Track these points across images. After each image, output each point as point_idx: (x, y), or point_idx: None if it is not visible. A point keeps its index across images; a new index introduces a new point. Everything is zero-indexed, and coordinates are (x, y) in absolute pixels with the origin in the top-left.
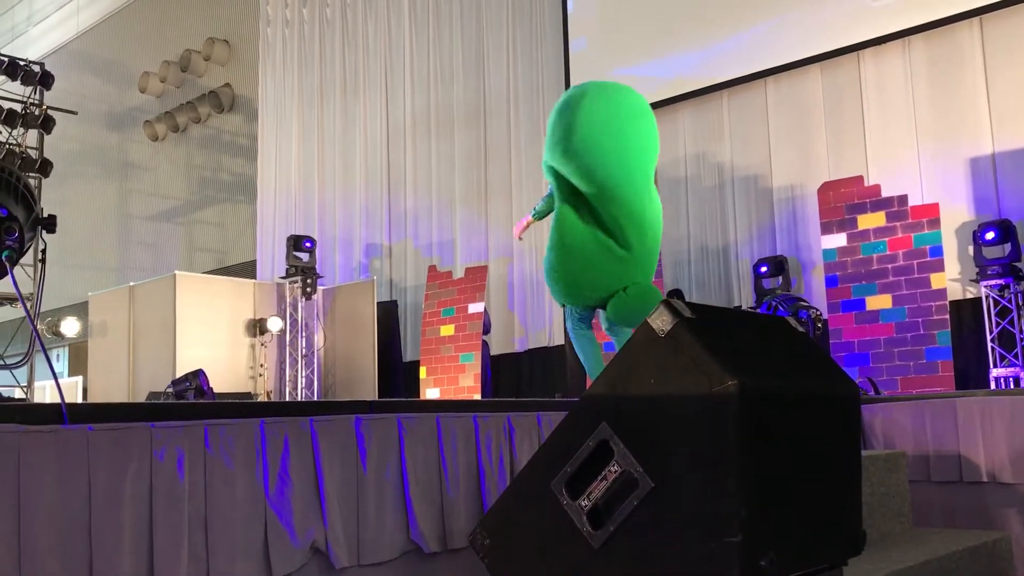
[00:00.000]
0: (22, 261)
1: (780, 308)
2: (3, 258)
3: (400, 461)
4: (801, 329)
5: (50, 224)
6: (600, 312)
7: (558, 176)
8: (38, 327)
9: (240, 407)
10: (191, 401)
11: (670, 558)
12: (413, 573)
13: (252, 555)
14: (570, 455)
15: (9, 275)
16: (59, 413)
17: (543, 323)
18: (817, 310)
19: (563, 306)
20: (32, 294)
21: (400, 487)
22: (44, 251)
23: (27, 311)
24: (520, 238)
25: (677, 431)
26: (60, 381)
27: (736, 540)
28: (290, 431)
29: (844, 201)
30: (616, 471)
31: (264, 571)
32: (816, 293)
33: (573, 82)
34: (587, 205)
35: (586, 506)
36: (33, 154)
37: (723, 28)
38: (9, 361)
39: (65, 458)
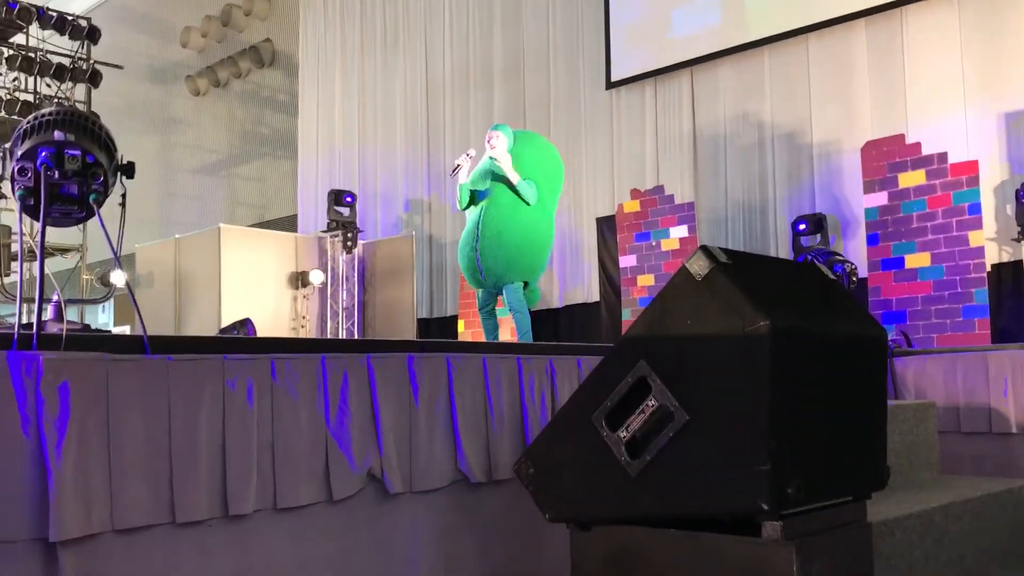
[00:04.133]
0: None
1: (815, 261)
2: (91, 201)
3: (449, 398)
4: (831, 276)
5: (129, 170)
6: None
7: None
8: (88, 277)
9: (303, 343)
10: (259, 336)
11: (703, 485)
12: (460, 501)
13: (315, 478)
14: (610, 390)
15: (97, 216)
16: (141, 344)
17: (580, 280)
18: (852, 264)
19: (487, 289)
20: (82, 246)
21: (449, 422)
22: (124, 195)
23: (113, 250)
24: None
25: (711, 368)
26: (112, 328)
27: (765, 468)
28: (349, 366)
29: (886, 160)
30: (653, 405)
31: (325, 494)
32: (855, 251)
33: (613, 36)
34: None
35: (624, 437)
36: (81, 108)
37: None
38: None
39: (147, 385)
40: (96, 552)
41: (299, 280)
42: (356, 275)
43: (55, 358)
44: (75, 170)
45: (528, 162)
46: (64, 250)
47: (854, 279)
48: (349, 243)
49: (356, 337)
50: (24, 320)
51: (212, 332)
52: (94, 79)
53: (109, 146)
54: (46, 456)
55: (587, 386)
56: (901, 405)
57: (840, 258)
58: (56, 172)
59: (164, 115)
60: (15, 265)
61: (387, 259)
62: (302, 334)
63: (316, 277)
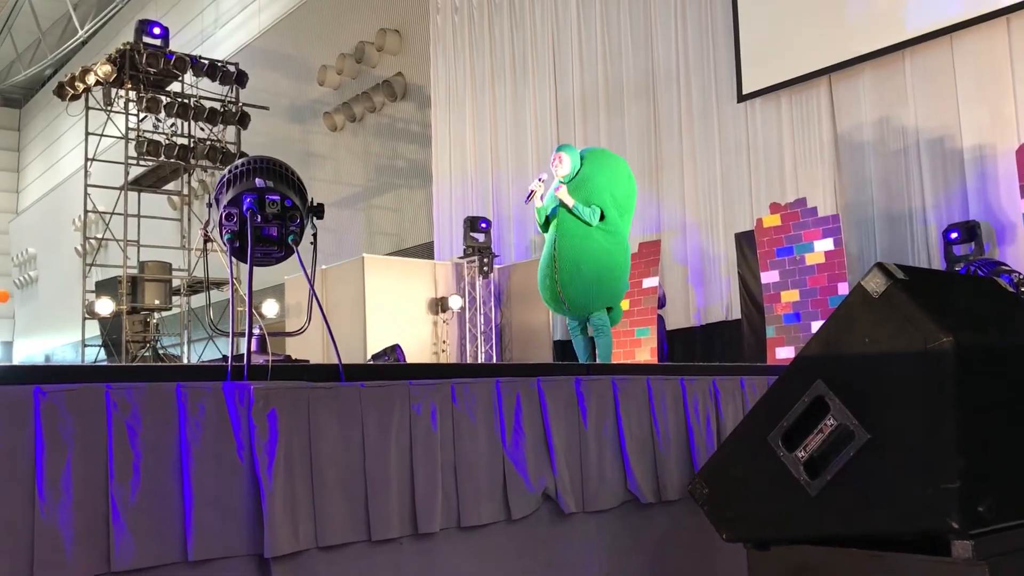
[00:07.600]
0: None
1: (979, 272)
2: (290, 241)
3: (616, 419)
4: (1011, 290)
5: (319, 211)
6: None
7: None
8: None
9: (479, 368)
10: (439, 363)
11: (887, 504)
12: (631, 521)
13: (494, 498)
14: (786, 410)
15: (295, 255)
16: (337, 372)
17: (718, 296)
18: (1020, 274)
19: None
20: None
21: (617, 443)
22: (315, 235)
23: (311, 284)
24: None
25: (893, 386)
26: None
27: (954, 486)
28: (521, 390)
29: None
30: (832, 424)
31: (504, 513)
32: (1014, 258)
33: (744, 51)
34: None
35: (803, 457)
36: (231, 148)
37: None
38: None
39: (343, 410)
40: (303, 567)
41: (439, 306)
42: (493, 299)
43: (263, 387)
44: (275, 213)
45: (598, 185)
46: (218, 283)
47: (1023, 289)
48: (485, 268)
49: (494, 359)
50: (228, 353)
51: (359, 358)
52: (243, 121)
53: (302, 190)
54: (259, 478)
55: (761, 406)
56: None
57: (1006, 268)
58: (259, 216)
59: (304, 151)
60: (175, 299)
61: (522, 282)
62: (443, 358)
63: (455, 302)
